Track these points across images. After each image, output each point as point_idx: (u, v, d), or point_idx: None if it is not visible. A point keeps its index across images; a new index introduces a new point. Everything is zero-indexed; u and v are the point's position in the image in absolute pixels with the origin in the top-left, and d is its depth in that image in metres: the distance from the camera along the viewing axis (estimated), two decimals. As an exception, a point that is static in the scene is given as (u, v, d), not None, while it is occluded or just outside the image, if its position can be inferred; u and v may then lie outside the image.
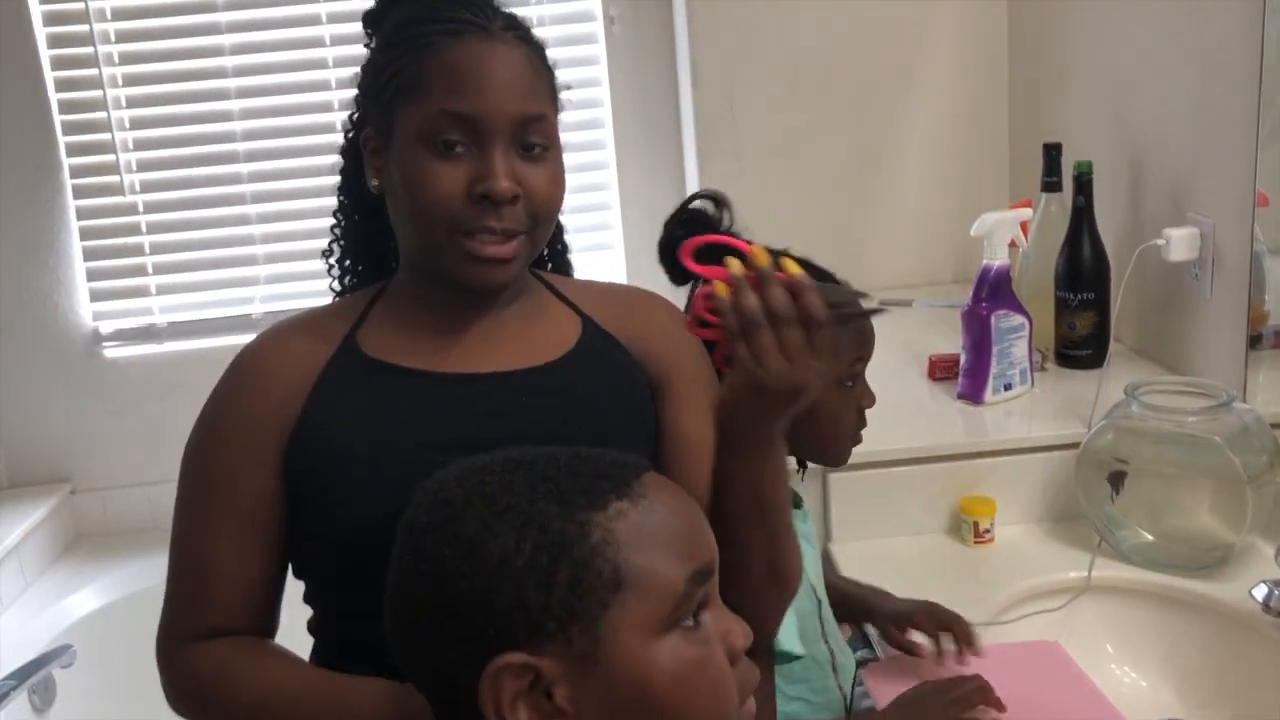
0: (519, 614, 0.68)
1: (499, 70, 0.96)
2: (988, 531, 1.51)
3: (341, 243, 1.12)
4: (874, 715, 1.18)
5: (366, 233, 1.10)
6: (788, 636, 1.13)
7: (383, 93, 0.99)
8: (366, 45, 1.04)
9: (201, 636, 1.00)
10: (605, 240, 2.55)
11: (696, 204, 1.12)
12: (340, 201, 1.11)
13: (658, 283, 1.13)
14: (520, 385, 1.02)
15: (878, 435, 1.59)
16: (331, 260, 1.13)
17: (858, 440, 1.23)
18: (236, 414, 1.02)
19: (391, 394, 1.00)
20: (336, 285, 1.13)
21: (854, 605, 1.32)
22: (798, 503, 1.28)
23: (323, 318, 1.07)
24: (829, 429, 1.19)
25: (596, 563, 0.68)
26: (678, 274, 1.07)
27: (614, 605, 0.68)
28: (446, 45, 0.96)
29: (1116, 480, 1.45)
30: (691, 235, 1.04)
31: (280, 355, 1.03)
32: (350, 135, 1.07)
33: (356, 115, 1.06)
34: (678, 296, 1.13)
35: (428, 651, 0.71)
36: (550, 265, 1.17)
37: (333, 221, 1.12)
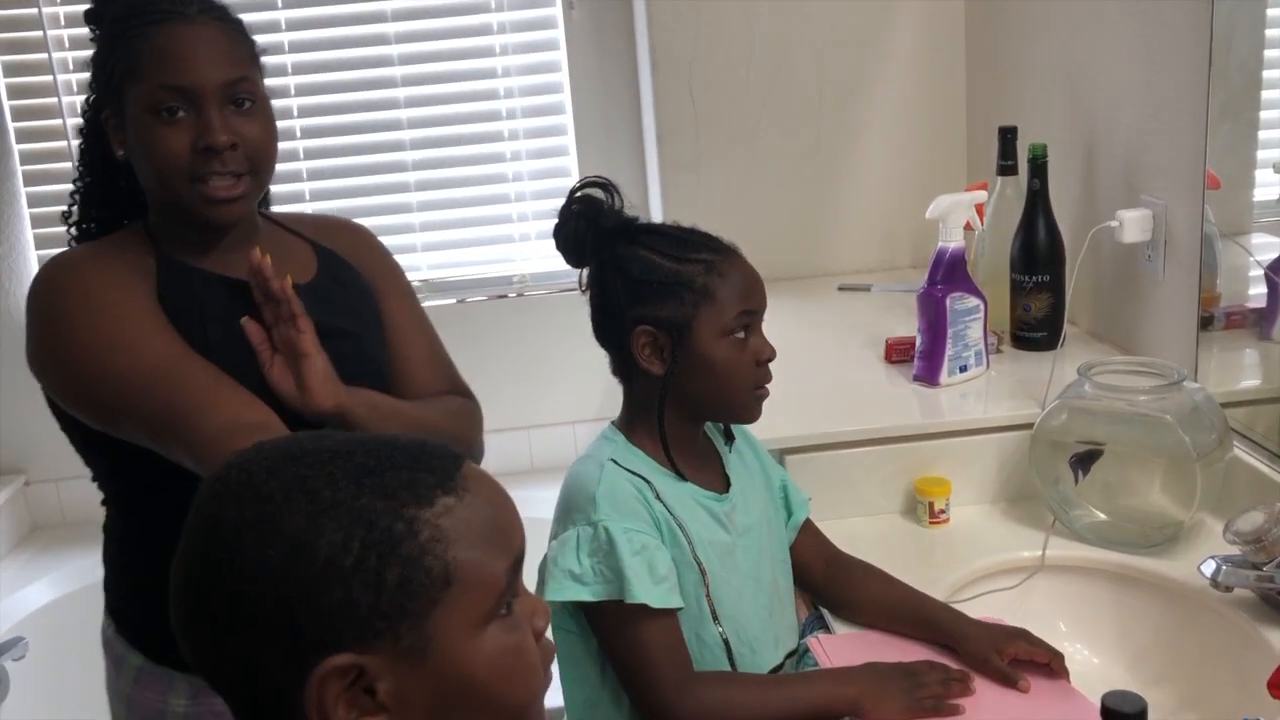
0: (346, 614, 0.66)
1: (201, 47, 1.17)
2: (943, 512, 1.52)
3: (79, 201, 1.30)
4: (844, 671, 1.18)
5: (105, 193, 1.28)
6: (641, 588, 1.12)
7: (110, 78, 1.18)
8: (91, 39, 1.23)
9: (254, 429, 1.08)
10: (566, 226, 2.55)
11: (583, 190, 1.23)
12: (79, 169, 1.29)
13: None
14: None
15: (834, 417, 1.61)
16: (72, 217, 1.30)
17: (763, 394, 1.23)
18: (105, 281, 1.18)
19: (217, 297, 1.21)
20: (74, 232, 1.30)
21: (936, 627, 1.26)
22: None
23: (114, 244, 1.24)
24: (723, 382, 1.20)
25: (427, 561, 0.68)
26: (572, 254, 1.22)
27: (443, 602, 0.68)
28: (155, 33, 1.16)
29: (1084, 460, 1.45)
30: (584, 219, 1.20)
31: (105, 255, 1.22)
32: (88, 115, 1.25)
33: (93, 98, 1.24)
34: (571, 275, 1.26)
35: (236, 650, 0.68)
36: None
37: (72, 188, 1.30)
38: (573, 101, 2.48)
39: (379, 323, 1.33)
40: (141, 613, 1.27)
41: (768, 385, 1.24)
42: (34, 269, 2.41)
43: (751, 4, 2.27)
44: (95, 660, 1.38)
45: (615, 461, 1.21)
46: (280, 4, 2.36)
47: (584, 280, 1.24)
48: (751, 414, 1.25)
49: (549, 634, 0.78)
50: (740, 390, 1.22)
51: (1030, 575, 1.41)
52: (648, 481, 1.20)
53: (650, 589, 1.14)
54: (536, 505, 1.25)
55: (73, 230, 1.31)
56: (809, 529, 1.38)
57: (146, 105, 1.16)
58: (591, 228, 1.21)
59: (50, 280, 1.20)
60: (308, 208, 2.45)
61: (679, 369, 1.19)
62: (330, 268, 1.32)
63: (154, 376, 1.13)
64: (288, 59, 2.37)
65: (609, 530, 1.15)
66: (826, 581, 1.36)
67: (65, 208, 1.30)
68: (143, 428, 1.14)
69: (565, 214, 1.22)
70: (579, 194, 1.22)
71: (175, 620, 0.71)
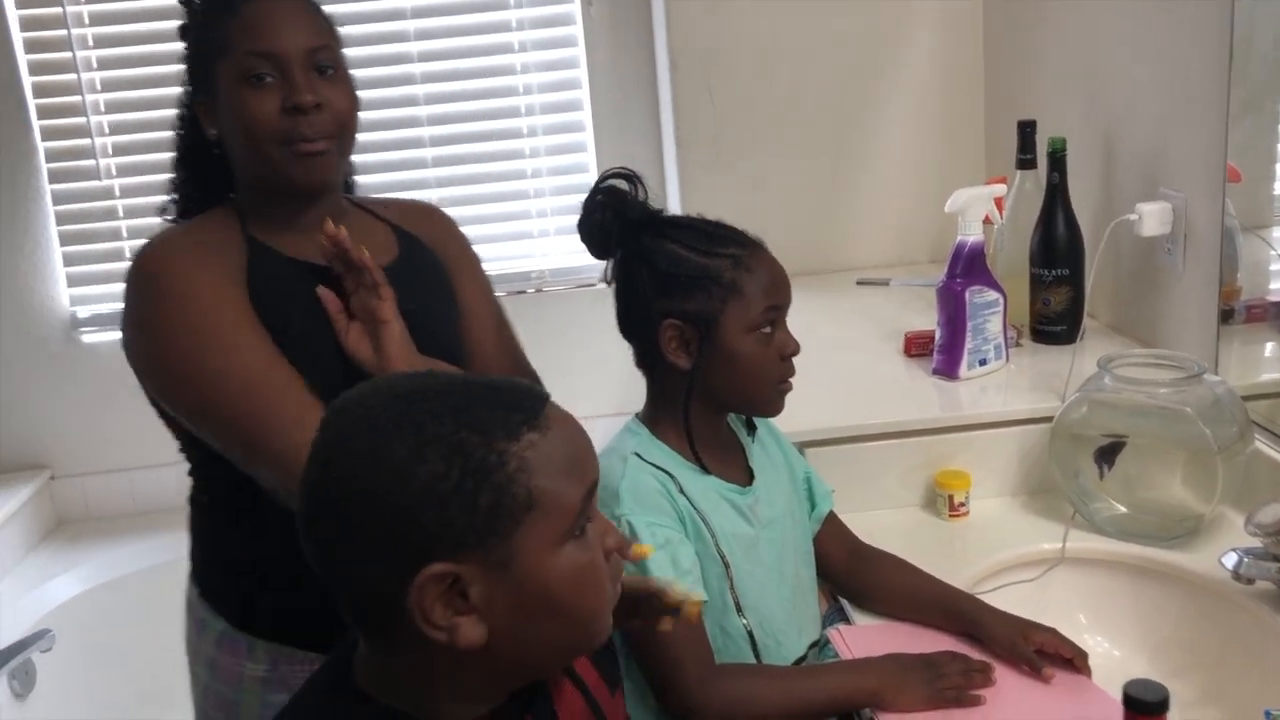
0: (444, 530, 0.76)
1: (285, 15, 1.22)
2: (963, 505, 1.53)
3: (178, 197, 1.33)
4: (864, 662, 1.19)
5: (201, 186, 1.31)
6: (659, 570, 1.13)
7: (202, 59, 1.23)
8: (181, 32, 1.27)
9: None
10: (584, 222, 2.56)
11: (608, 181, 1.23)
12: (178, 160, 1.33)
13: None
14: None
15: (854, 410, 1.62)
16: (168, 213, 1.34)
17: (787, 388, 1.24)
18: (197, 275, 1.19)
19: (304, 282, 1.23)
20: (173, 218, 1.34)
21: (960, 615, 1.26)
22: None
23: (206, 227, 1.26)
24: (748, 377, 1.21)
25: (513, 488, 0.78)
26: (596, 246, 1.23)
27: (526, 523, 0.78)
28: (242, 8, 1.21)
29: (1108, 453, 1.45)
30: (610, 210, 1.20)
31: (198, 242, 1.24)
32: (182, 109, 1.29)
33: (187, 91, 1.28)
34: (596, 266, 1.27)
35: (351, 556, 0.79)
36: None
37: (173, 176, 1.33)
38: (591, 98, 2.49)
39: (454, 307, 1.35)
40: (224, 580, 1.30)
41: (791, 379, 1.24)
42: (60, 267, 2.44)
43: (770, 2, 2.27)
44: (121, 652, 1.40)
45: (639, 455, 1.22)
46: None
47: (609, 272, 1.25)
48: (775, 408, 1.26)
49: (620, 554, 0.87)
50: (765, 385, 1.23)
51: (1050, 568, 1.41)
52: (671, 475, 1.21)
53: (674, 581, 1.14)
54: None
55: (172, 212, 1.34)
56: (831, 520, 1.38)
57: (236, 75, 1.19)
58: (617, 219, 1.21)
59: (145, 267, 1.21)
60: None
61: (705, 363, 1.19)
62: (409, 252, 1.33)
63: (243, 388, 1.15)
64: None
65: (632, 525, 1.16)
66: (849, 572, 1.37)
67: (164, 200, 1.34)
68: (225, 436, 1.17)
69: (590, 205, 1.23)
70: (604, 185, 1.22)
71: (302, 531, 0.81)
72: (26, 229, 2.42)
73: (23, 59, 2.36)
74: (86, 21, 2.38)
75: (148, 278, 1.20)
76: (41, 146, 2.40)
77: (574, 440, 0.83)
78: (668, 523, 1.18)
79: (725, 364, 1.20)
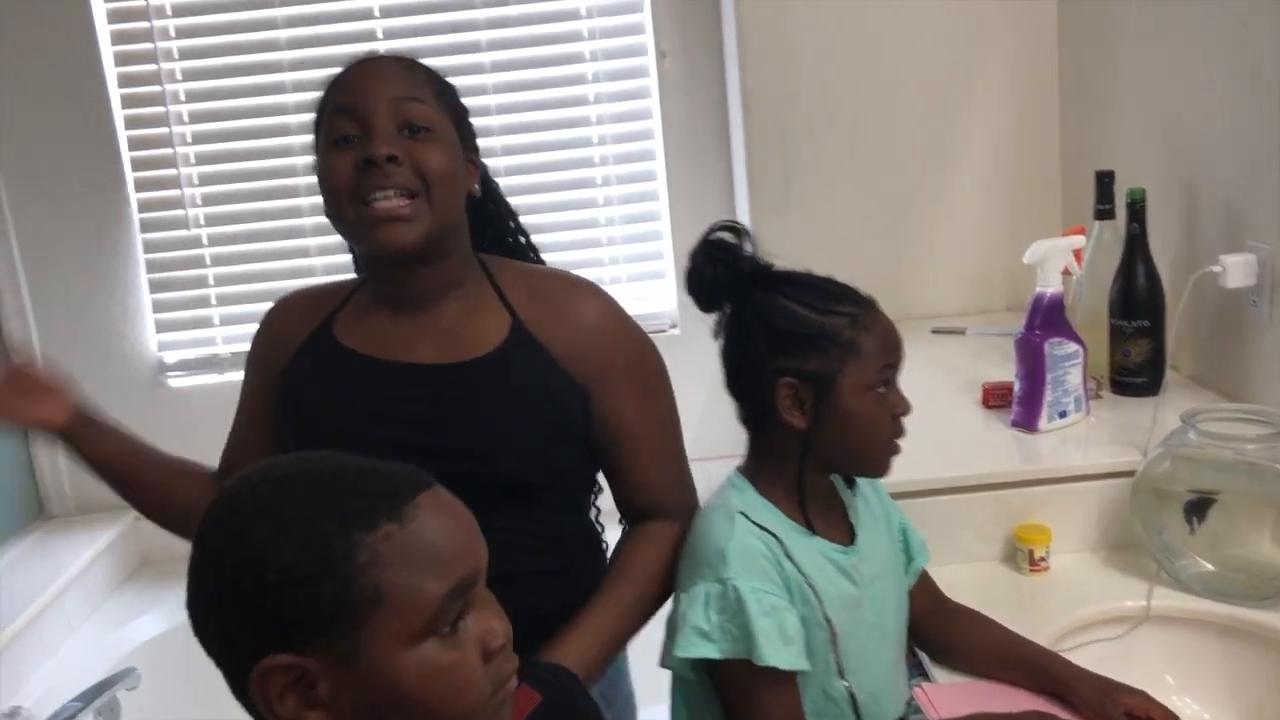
0: (294, 620, 0.75)
1: (375, 72, 1.19)
2: (1043, 559, 1.51)
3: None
4: None
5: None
6: (771, 650, 1.12)
7: (315, 129, 1.22)
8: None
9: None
10: (656, 269, 2.59)
11: (717, 234, 1.21)
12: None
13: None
14: (431, 378, 1.21)
15: (932, 462, 1.61)
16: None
17: (896, 449, 1.21)
18: (257, 348, 1.37)
19: (341, 370, 1.26)
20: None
21: (1045, 673, 1.24)
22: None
23: (327, 292, 1.34)
24: (862, 437, 1.19)
25: (361, 580, 0.75)
26: (705, 299, 1.20)
27: (374, 618, 0.75)
28: (341, 76, 1.21)
29: (1198, 508, 1.42)
30: (720, 263, 1.17)
31: (286, 314, 1.34)
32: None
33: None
34: (707, 321, 1.23)
35: (215, 632, 0.79)
36: (508, 250, 1.37)
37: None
38: (664, 148, 2.52)
39: (552, 419, 1.21)
40: None
41: (900, 440, 1.21)
42: (148, 313, 2.52)
43: (842, 48, 2.29)
44: (203, 690, 1.42)
45: (746, 515, 1.19)
46: (383, 57, 2.46)
47: (716, 327, 1.22)
48: (884, 468, 1.23)
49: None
50: (878, 445, 1.20)
51: (1135, 626, 1.38)
52: (778, 539, 1.18)
53: (780, 651, 1.12)
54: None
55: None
56: (920, 572, 1.36)
57: (326, 135, 1.19)
58: (728, 272, 1.19)
59: (268, 314, 1.39)
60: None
61: (820, 423, 1.17)
62: (511, 346, 1.21)
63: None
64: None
65: (738, 589, 1.14)
66: (932, 626, 1.34)
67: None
68: None
69: (698, 258, 1.20)
70: (711, 237, 1.21)
71: (186, 598, 0.82)
72: (117, 275, 2.50)
73: (118, 112, 2.46)
74: (179, 77, 2.47)
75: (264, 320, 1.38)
76: (134, 196, 2.49)
77: (446, 532, 0.79)
78: (773, 589, 1.15)
79: (841, 424, 1.17)
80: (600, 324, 1.24)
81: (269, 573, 0.75)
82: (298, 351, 1.30)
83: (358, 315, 1.29)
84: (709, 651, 1.14)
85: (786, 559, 1.18)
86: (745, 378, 1.21)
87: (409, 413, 1.22)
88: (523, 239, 1.40)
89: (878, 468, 1.23)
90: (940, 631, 1.34)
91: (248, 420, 1.40)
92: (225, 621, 0.78)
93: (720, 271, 1.19)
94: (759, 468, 1.24)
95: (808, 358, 1.16)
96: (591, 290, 1.27)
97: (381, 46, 2.45)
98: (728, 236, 1.20)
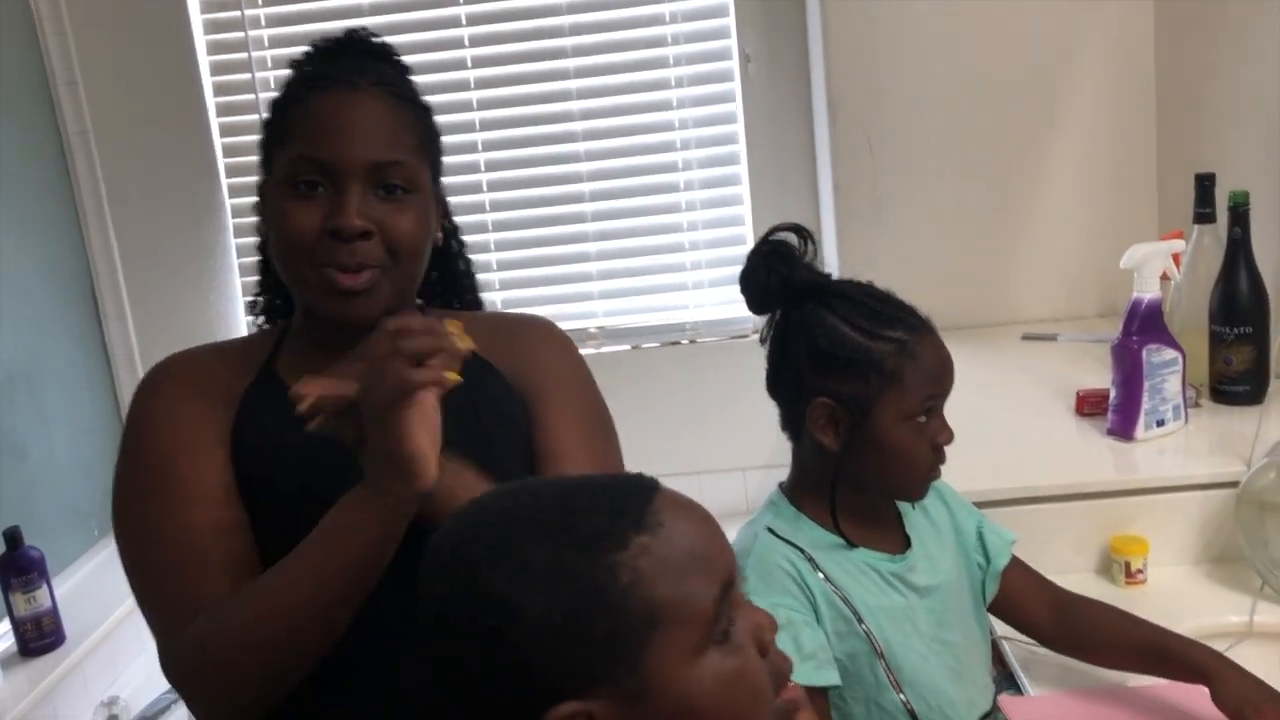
0: (563, 669, 0.68)
1: (356, 119, 1.04)
2: (1140, 572, 1.47)
3: (258, 286, 1.22)
4: None
5: (274, 283, 1.18)
6: (804, 668, 1.09)
7: (264, 143, 1.10)
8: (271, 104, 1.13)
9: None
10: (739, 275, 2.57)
11: (779, 235, 1.18)
12: (259, 245, 1.18)
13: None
14: None
15: (1024, 471, 1.58)
16: (258, 307, 1.22)
17: (936, 475, 1.19)
18: (174, 411, 1.08)
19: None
20: (260, 320, 1.21)
21: (1187, 664, 1.19)
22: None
23: (233, 349, 1.17)
24: (899, 463, 1.16)
25: (630, 604, 0.69)
26: (756, 302, 1.18)
27: (654, 642, 0.69)
28: (311, 97, 1.05)
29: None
30: (775, 272, 1.15)
31: (203, 369, 1.12)
32: (258, 188, 1.14)
33: (261, 172, 1.13)
34: (757, 322, 1.22)
35: (470, 709, 0.71)
36: (454, 296, 1.24)
37: (259, 262, 1.20)
38: (748, 153, 2.51)
39: (508, 435, 1.14)
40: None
41: (940, 467, 1.18)
42: (243, 319, 2.58)
43: (930, 50, 2.26)
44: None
45: (771, 530, 1.17)
46: (470, 64, 2.49)
47: (764, 331, 1.21)
48: (919, 495, 1.20)
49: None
50: (913, 473, 1.17)
51: (1237, 642, 1.34)
52: (804, 552, 1.16)
53: (795, 666, 1.11)
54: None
55: (259, 319, 1.22)
56: (1022, 572, 1.30)
57: (285, 175, 1.05)
58: (782, 282, 1.17)
59: (142, 382, 1.12)
60: (492, 259, 2.54)
61: (853, 446, 1.14)
62: (465, 382, 1.07)
63: (167, 561, 1.03)
64: (475, 116, 2.49)
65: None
66: (1055, 623, 1.28)
67: (251, 297, 1.24)
68: (139, 601, 1.07)
69: (755, 260, 1.19)
70: (772, 238, 1.18)
71: (433, 683, 0.74)
72: (211, 280, 2.57)
73: (215, 122, 2.53)
74: (273, 87, 2.52)
75: (137, 395, 1.11)
76: (228, 202, 2.56)
77: (694, 532, 0.72)
78: (792, 604, 1.13)
79: (874, 450, 1.14)
80: (543, 349, 1.21)
81: (527, 623, 0.68)
82: (244, 404, 1.09)
83: (301, 360, 1.10)
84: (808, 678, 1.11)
85: (814, 571, 1.15)
86: (784, 386, 1.20)
87: None
88: (466, 280, 1.27)
89: (911, 493, 1.21)
90: (1067, 627, 1.28)
91: (212, 505, 1.05)
92: (479, 694, 0.70)
93: (774, 281, 1.17)
94: (799, 481, 1.22)
95: (846, 381, 1.13)
96: (540, 321, 1.25)
97: (469, 56, 2.48)
98: (790, 238, 1.17)
